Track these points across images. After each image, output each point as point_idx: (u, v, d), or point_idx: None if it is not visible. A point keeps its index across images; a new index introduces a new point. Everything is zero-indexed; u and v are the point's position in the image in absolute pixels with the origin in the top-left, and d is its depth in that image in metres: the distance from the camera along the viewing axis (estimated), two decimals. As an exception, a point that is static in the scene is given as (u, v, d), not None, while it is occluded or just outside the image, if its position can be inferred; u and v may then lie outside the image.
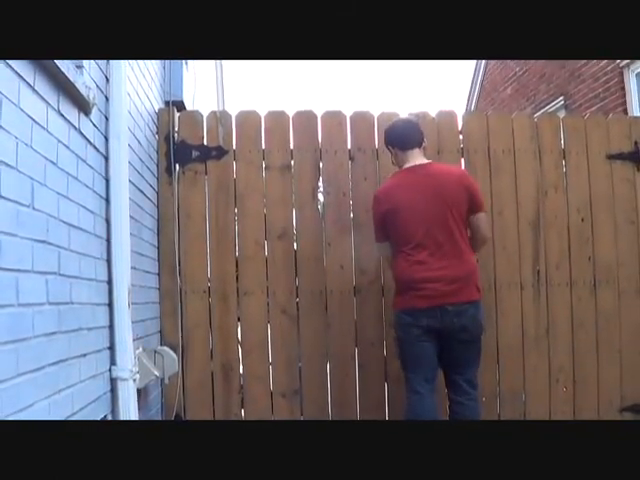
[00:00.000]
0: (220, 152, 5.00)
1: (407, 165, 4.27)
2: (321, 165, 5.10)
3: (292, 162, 5.09)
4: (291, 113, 5.11)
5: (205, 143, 5.02)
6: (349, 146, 5.13)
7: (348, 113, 5.16)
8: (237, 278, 4.98)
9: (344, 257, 5.03)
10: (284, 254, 5.00)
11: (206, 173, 5.00)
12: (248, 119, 5.08)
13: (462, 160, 5.11)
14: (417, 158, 4.28)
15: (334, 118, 5.14)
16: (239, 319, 4.97)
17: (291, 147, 5.08)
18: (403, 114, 5.12)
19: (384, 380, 4.98)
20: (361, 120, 5.16)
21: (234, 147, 5.04)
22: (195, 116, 5.06)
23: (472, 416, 4.05)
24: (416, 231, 4.09)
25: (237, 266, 5.00)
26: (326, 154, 5.10)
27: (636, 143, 5.23)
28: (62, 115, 2.82)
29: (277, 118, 5.10)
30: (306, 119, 5.12)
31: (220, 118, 5.05)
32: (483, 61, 13.72)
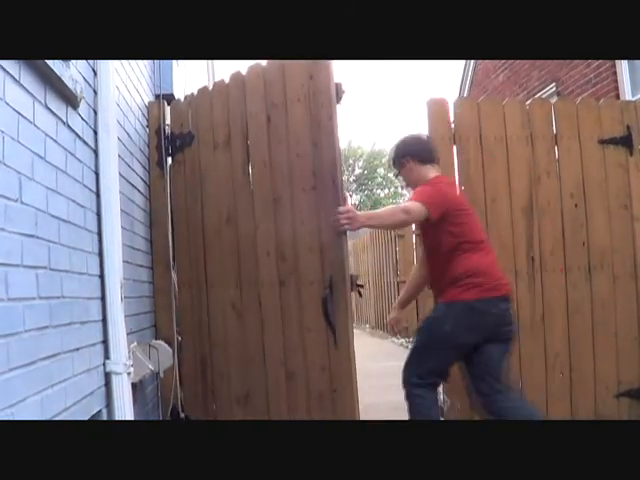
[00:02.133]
0: (191, 137, 4.93)
1: (432, 175, 4.25)
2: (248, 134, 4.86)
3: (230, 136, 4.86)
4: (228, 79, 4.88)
5: (183, 131, 4.95)
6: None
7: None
8: (205, 269, 4.87)
9: (268, 242, 4.75)
10: (230, 241, 4.81)
11: (185, 162, 4.94)
12: (202, 96, 4.97)
13: (454, 147, 5.07)
14: (437, 170, 4.31)
15: (256, 74, 4.81)
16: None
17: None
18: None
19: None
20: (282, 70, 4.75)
21: (197, 130, 4.92)
22: (177, 105, 5.04)
23: None
24: (482, 231, 4.27)
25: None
26: (250, 117, 4.82)
27: (628, 127, 5.22)
28: (49, 109, 2.81)
29: (219, 89, 4.92)
30: (237, 83, 4.86)
31: (190, 101, 4.98)
32: (475, 49, 13.67)
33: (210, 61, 10.41)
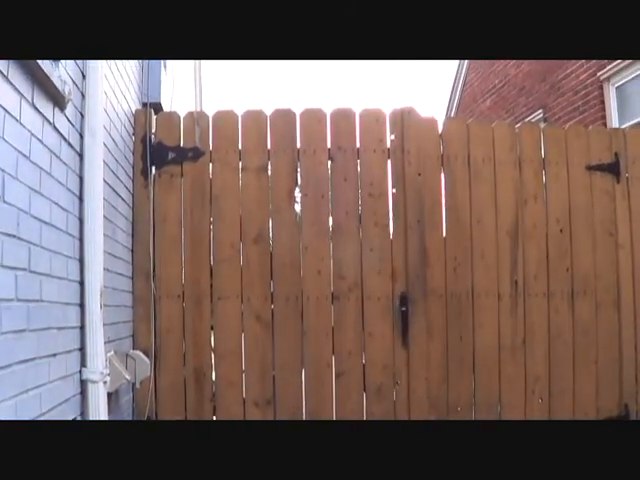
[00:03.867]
0: (196, 153, 4.93)
1: None
2: (299, 166, 5.02)
3: (269, 163, 5.00)
4: (269, 112, 5.03)
5: (182, 144, 4.94)
6: (329, 145, 5.04)
7: (328, 111, 5.06)
8: (212, 283, 4.90)
9: (321, 262, 4.94)
10: (259, 258, 4.91)
11: (182, 175, 4.92)
12: (225, 119, 5.01)
13: (442, 167, 5.05)
14: None
15: (313, 116, 5.05)
16: (212, 325, 4.89)
17: (269, 147, 5.00)
18: (385, 111, 5.07)
19: (362, 391, 4.90)
20: (342, 118, 5.07)
21: (210, 148, 4.97)
22: (172, 117, 5.01)
23: None
24: None
25: (212, 270, 4.92)
26: (304, 154, 5.00)
27: (616, 155, 5.23)
28: (36, 108, 2.76)
29: (254, 117, 5.02)
30: (284, 118, 5.04)
31: (197, 119, 4.99)
32: (462, 72, 13.77)
33: (198, 73, 10.40)
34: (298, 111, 5.04)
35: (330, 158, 5.03)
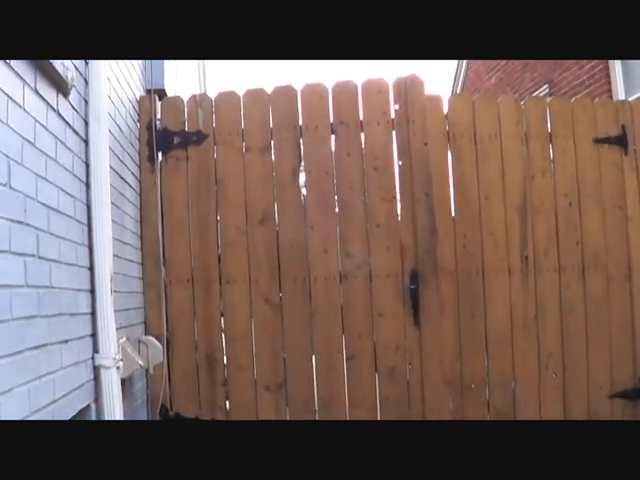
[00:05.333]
0: (200, 136, 4.92)
1: None
2: (302, 142, 4.98)
3: (272, 142, 4.97)
4: (270, 90, 5.00)
5: (186, 129, 4.94)
6: (331, 120, 5.00)
7: (330, 85, 5.01)
8: (219, 266, 4.90)
9: (328, 240, 4.93)
10: (265, 239, 4.89)
11: (187, 159, 4.91)
12: (227, 100, 4.99)
13: (448, 145, 5.03)
14: None
15: (315, 91, 5.00)
16: (221, 309, 4.89)
17: (271, 126, 4.97)
18: (388, 81, 5.03)
19: (374, 373, 4.88)
20: (344, 91, 5.02)
21: (214, 130, 4.96)
22: (176, 102, 5.00)
23: None
24: None
25: (219, 254, 4.91)
26: (306, 130, 4.97)
27: (623, 127, 5.19)
28: (39, 94, 2.76)
29: (256, 97, 4.99)
30: (285, 95, 5.00)
31: (200, 102, 4.97)
32: (467, 51, 13.68)
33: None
34: (299, 87, 5.00)
35: (333, 133, 4.99)
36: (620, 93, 8.42)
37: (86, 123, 3.44)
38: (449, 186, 5.01)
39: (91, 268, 3.39)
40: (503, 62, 11.73)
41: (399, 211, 4.93)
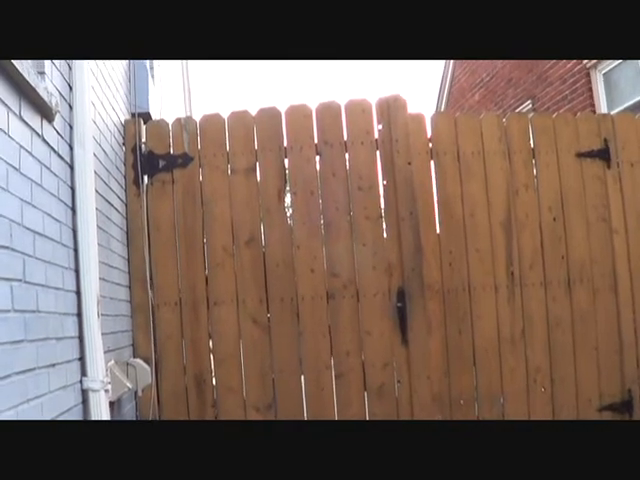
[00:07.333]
0: (186, 159, 4.94)
1: None
2: (287, 163, 5.02)
3: (257, 164, 5.00)
4: (255, 112, 5.04)
5: (171, 152, 4.96)
6: (316, 140, 5.04)
7: (314, 106, 5.06)
8: (207, 288, 4.90)
9: (314, 260, 4.94)
10: (252, 260, 4.91)
11: (173, 182, 4.94)
12: (212, 122, 5.03)
13: (432, 163, 5.07)
14: None
15: (299, 112, 5.05)
16: (210, 330, 4.90)
17: (256, 147, 5.00)
18: (371, 101, 5.08)
19: (363, 391, 4.89)
20: (327, 111, 5.07)
21: (199, 153, 4.98)
22: (161, 125, 5.02)
23: None
24: None
25: (207, 275, 4.92)
26: (291, 151, 5.00)
27: (606, 140, 5.24)
28: (24, 121, 2.77)
29: (240, 119, 5.03)
30: (270, 116, 5.04)
31: (185, 124, 4.99)
32: (450, 68, 13.81)
33: (186, 78, 10.43)
34: (283, 109, 5.03)
35: (318, 153, 5.03)
36: (603, 106, 8.50)
37: (71, 148, 3.46)
38: (434, 204, 5.04)
39: (78, 292, 3.40)
40: (487, 79, 11.82)
41: (384, 230, 4.96)
